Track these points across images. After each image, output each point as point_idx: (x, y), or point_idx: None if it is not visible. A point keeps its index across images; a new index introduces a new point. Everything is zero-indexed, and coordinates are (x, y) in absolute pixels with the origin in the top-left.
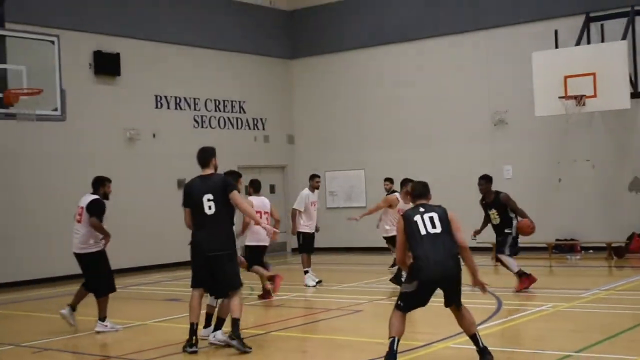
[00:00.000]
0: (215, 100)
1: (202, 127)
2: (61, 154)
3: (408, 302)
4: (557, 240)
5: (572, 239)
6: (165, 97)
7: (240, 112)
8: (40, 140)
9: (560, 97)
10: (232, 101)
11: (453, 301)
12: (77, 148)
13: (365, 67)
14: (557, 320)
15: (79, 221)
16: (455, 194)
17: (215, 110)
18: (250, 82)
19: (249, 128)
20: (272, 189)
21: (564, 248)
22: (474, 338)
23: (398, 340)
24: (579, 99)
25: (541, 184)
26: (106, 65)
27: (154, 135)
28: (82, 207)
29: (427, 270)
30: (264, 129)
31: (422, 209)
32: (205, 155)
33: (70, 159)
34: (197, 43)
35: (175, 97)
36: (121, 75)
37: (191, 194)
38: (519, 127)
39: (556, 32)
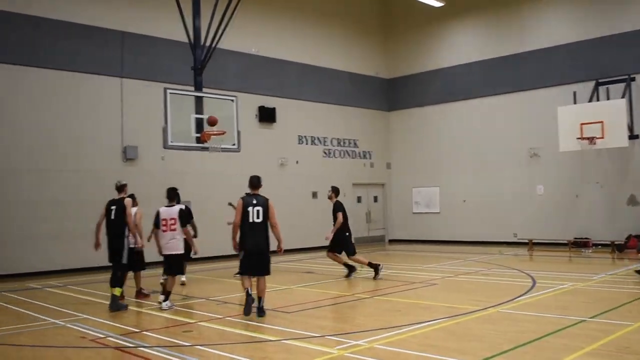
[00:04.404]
0: (337, 139)
1: (329, 157)
2: (235, 174)
3: None
4: (575, 238)
5: (586, 238)
6: (305, 136)
7: (354, 146)
8: (223, 165)
9: (577, 138)
10: (349, 139)
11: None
12: (247, 170)
13: (440, 116)
14: (575, 295)
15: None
16: (501, 203)
17: (338, 145)
18: (361, 126)
19: (360, 158)
20: (376, 199)
21: (580, 244)
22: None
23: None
24: (591, 140)
25: (563, 198)
26: (266, 116)
27: (297, 162)
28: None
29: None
30: (370, 158)
31: None
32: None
33: (242, 178)
34: (327, 101)
35: (311, 137)
36: (276, 122)
37: None
38: (548, 158)
39: (574, 93)
